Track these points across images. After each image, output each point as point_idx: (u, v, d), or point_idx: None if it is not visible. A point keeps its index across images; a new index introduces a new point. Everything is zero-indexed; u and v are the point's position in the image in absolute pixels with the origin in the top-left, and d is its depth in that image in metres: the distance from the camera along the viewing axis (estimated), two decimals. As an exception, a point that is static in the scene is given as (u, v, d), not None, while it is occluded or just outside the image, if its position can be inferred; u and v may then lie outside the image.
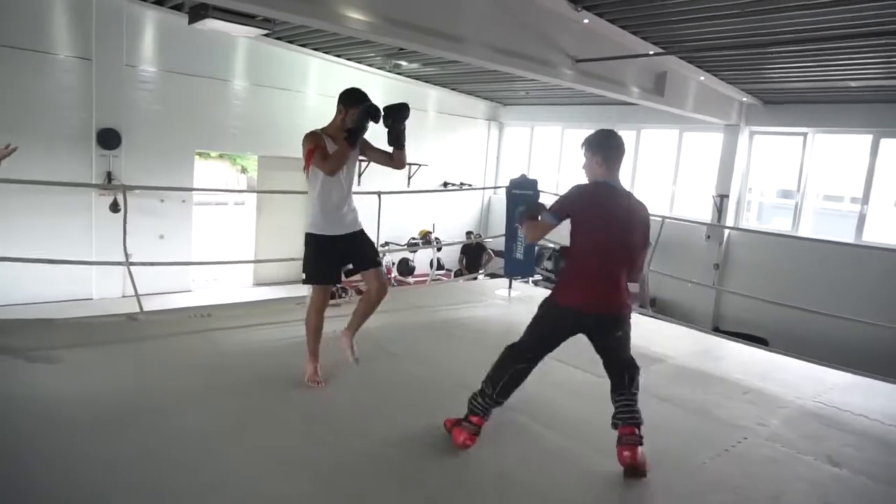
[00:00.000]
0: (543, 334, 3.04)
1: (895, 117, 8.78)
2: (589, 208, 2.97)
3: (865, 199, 9.23)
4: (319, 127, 3.67)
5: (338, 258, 3.73)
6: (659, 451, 3.30)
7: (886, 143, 9.05)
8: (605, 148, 3.02)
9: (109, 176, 9.03)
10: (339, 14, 5.27)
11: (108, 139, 8.97)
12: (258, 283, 11.12)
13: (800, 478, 3.15)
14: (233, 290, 10.57)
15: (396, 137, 3.63)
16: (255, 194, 12.63)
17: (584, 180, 3.11)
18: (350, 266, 3.95)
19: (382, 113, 3.54)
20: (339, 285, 6.09)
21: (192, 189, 10.54)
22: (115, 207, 8.70)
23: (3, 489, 2.51)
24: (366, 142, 3.69)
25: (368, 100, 3.58)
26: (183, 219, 10.09)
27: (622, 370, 3.10)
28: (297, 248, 13.16)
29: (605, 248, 2.93)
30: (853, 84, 8.28)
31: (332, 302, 5.50)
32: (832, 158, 9.88)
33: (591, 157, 3.05)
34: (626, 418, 3.03)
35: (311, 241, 3.67)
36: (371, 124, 3.53)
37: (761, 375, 4.70)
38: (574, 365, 4.51)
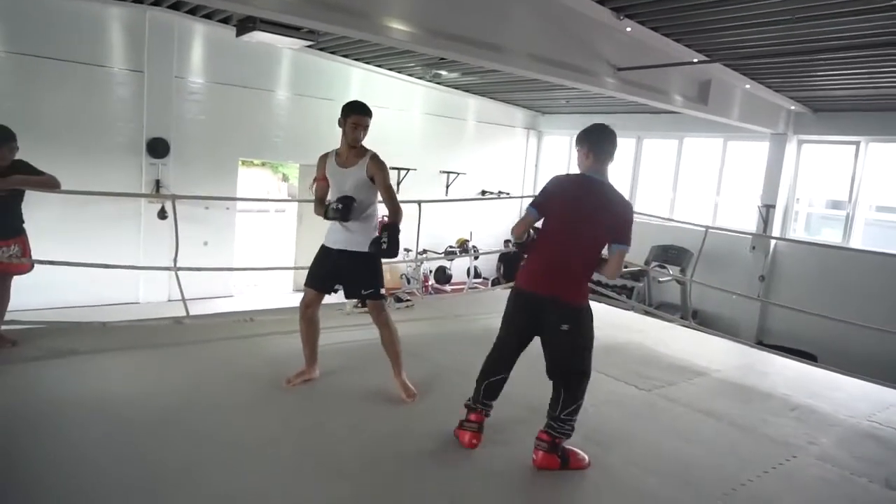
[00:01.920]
0: (505, 320, 3.07)
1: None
2: (555, 197, 3.00)
3: (922, 211, 8.86)
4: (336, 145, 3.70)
5: (328, 269, 3.68)
6: (701, 467, 3.23)
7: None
8: (591, 140, 3.00)
9: (158, 183, 9.32)
10: (382, 25, 5.35)
11: (158, 148, 9.27)
12: (298, 290, 11.27)
13: (853, 501, 3.02)
14: (273, 295, 10.74)
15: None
16: (295, 202, 12.86)
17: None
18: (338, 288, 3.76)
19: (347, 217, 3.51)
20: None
21: (238, 199, 10.77)
22: (162, 214, 8.96)
23: (36, 485, 2.61)
24: (381, 170, 3.60)
25: (360, 108, 3.58)
26: (226, 226, 10.32)
27: (559, 380, 2.96)
28: (337, 256, 13.04)
29: (561, 236, 2.94)
30: (911, 91, 7.99)
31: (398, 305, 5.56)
32: (887, 168, 9.52)
33: (579, 148, 3.04)
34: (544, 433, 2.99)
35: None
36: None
37: (810, 392, 4.54)
38: (615, 377, 4.46)
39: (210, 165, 9.85)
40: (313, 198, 3.82)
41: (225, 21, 8.80)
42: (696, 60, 7.43)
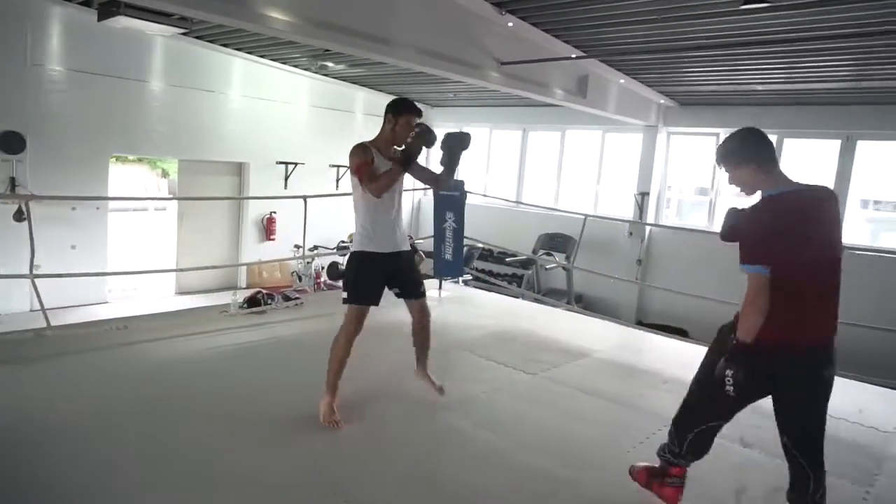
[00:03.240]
0: (744, 382, 2.37)
1: (797, 119, 9.40)
2: (783, 240, 2.29)
3: (772, 196, 9.84)
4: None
5: (381, 277, 3.46)
6: (586, 442, 3.42)
7: (790, 143, 9.67)
8: (754, 151, 2.40)
9: (13, 182, 8.45)
10: (259, 14, 5.14)
11: (11, 143, 8.40)
12: (181, 292, 10.69)
13: (715, 460, 3.29)
14: (154, 300, 10.12)
15: (449, 162, 3.46)
16: (175, 200, 12.14)
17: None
18: (397, 291, 3.62)
19: (434, 137, 3.35)
20: (266, 291, 5.94)
21: (107, 198, 9.98)
22: (19, 216, 8.13)
23: None
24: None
25: (416, 109, 3.41)
26: (97, 227, 9.55)
27: (813, 454, 2.46)
28: (221, 256, 12.59)
29: (815, 271, 2.34)
30: (759, 87, 8.81)
31: (257, 309, 5.39)
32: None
33: (741, 170, 2.44)
34: None
35: (356, 258, 3.46)
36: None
37: (681, 365, 4.89)
38: (505, 364, 4.59)
39: (76, 162, 9.07)
40: (373, 188, 3.27)
41: (87, 4, 8.10)
42: (574, 56, 7.77)
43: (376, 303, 3.47)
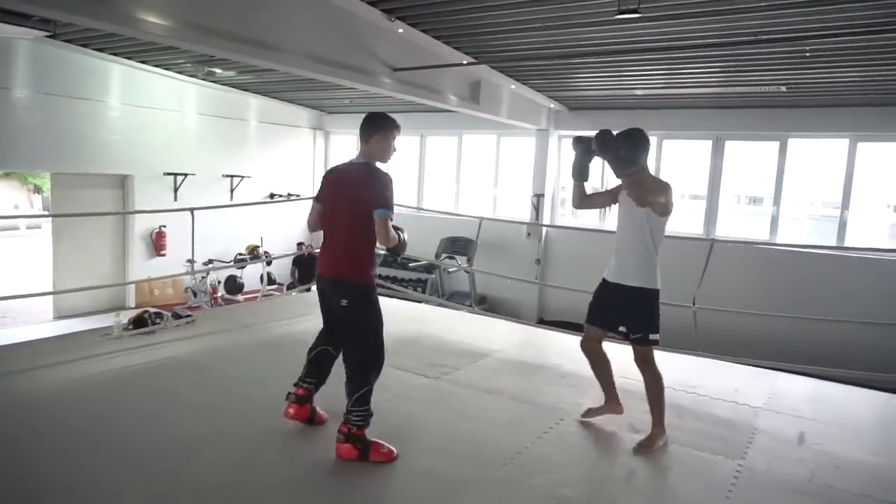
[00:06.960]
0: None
1: (674, 121, 10.08)
2: (322, 188, 3.52)
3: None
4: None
5: (605, 303, 3.59)
6: (487, 441, 3.46)
7: (668, 144, 10.36)
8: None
9: None
10: (130, 17, 4.83)
11: None
12: (61, 316, 9.87)
13: (608, 449, 3.47)
14: (30, 326, 9.26)
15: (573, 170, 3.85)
16: (51, 217, 11.19)
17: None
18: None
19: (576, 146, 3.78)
20: (154, 310, 5.59)
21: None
22: None
23: None
24: (646, 179, 3.46)
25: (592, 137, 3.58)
26: (-43, 249, 8.64)
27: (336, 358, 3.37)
28: (106, 274, 11.77)
29: (326, 220, 3.39)
30: (639, 92, 9.36)
31: (144, 330, 5.06)
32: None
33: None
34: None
35: None
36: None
37: (577, 360, 5.05)
38: (407, 369, 4.58)
39: (-74, 178, 8.16)
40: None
41: (-69, 4, 7.31)
42: (465, 62, 7.92)
43: (592, 322, 3.65)
